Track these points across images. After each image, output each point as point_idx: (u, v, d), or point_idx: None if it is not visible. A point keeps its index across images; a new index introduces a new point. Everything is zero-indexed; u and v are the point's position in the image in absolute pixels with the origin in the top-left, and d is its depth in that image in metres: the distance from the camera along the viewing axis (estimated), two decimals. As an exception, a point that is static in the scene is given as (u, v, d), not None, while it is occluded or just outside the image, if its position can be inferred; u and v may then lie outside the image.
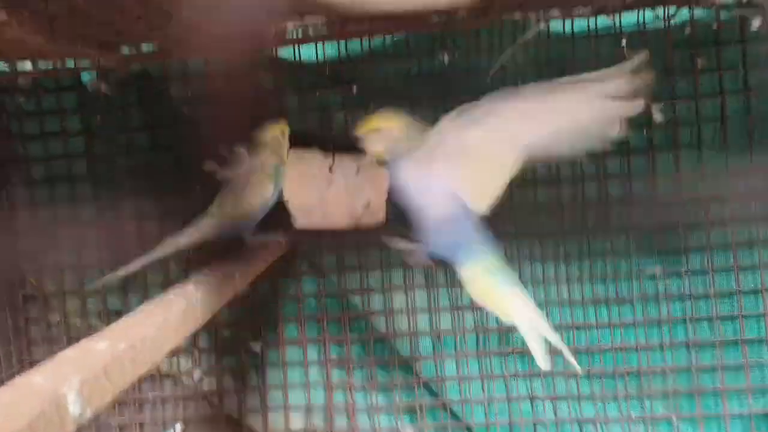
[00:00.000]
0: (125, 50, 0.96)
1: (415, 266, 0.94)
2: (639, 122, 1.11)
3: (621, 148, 1.11)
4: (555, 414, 1.14)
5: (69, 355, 0.48)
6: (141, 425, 1.20)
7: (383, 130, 0.96)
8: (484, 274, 0.85)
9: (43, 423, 0.39)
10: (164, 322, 0.57)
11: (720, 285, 1.11)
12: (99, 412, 0.46)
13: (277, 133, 1.05)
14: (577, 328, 1.14)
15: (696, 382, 1.11)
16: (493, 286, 0.85)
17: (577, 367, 0.86)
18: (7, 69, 1.01)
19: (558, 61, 1.11)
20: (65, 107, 1.18)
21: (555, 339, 0.83)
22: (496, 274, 0.85)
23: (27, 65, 1.02)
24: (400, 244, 0.97)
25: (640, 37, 1.09)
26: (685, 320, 1.11)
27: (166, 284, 1.13)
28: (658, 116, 1.11)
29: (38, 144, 1.19)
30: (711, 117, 1.10)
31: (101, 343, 0.51)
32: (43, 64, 1.04)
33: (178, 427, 1.19)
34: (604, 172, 1.12)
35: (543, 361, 0.83)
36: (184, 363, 1.20)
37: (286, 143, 1.06)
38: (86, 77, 1.15)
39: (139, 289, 1.16)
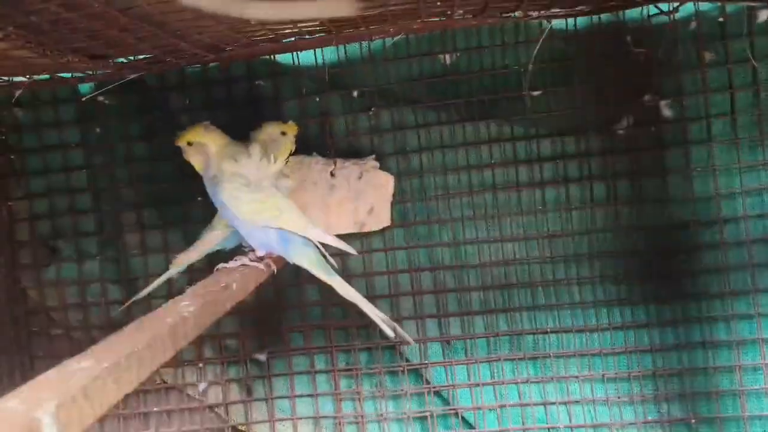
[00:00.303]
0: (120, 60, 0.94)
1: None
2: (647, 119, 1.08)
3: (630, 145, 1.09)
4: (570, 419, 1.12)
5: (48, 376, 0.47)
6: (147, 439, 1.19)
7: (197, 144, 0.98)
8: (312, 264, 0.97)
9: (13, 450, 0.37)
10: (152, 339, 0.55)
11: (735, 283, 1.07)
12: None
13: (272, 131, 1.03)
14: (590, 330, 1.11)
15: (714, 383, 1.08)
16: (321, 275, 0.98)
17: (409, 339, 1.02)
18: (3, 81, 1.01)
19: (562, 59, 1.09)
20: (63, 119, 1.17)
21: (374, 312, 0.99)
22: (320, 265, 0.97)
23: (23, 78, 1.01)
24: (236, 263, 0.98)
25: (644, 32, 1.06)
26: (700, 320, 1.08)
27: (170, 295, 1.12)
28: (666, 112, 1.08)
29: (37, 157, 1.18)
30: (721, 112, 1.07)
31: (84, 362, 0.49)
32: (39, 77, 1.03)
33: (185, 440, 1.18)
34: (612, 171, 1.09)
35: (387, 330, 0.98)
36: (189, 375, 1.19)
37: (286, 144, 1.03)
38: (84, 89, 1.14)
39: (142, 301, 1.14)
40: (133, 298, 1.09)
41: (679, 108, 1.07)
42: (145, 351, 0.53)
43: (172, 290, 1.13)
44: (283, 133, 1.02)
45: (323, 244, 0.96)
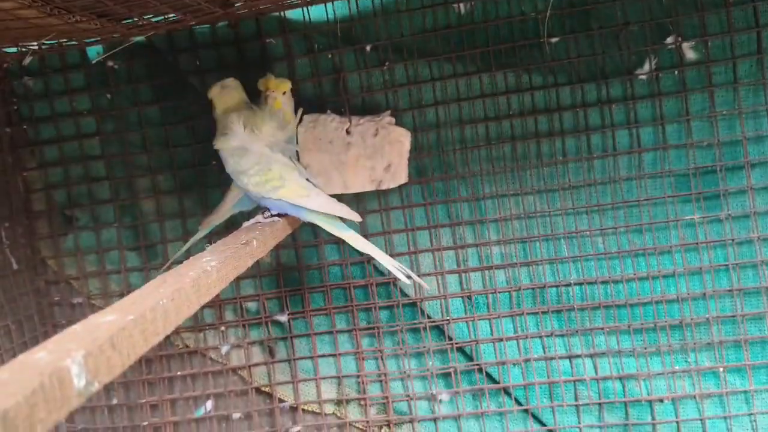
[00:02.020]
0: (127, 21, 0.92)
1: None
2: (669, 62, 1.05)
3: (651, 90, 1.06)
4: (596, 372, 1.11)
5: (75, 329, 0.46)
6: (172, 402, 1.19)
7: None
8: (323, 222, 0.99)
9: (43, 396, 0.37)
10: (176, 292, 0.54)
11: (764, 228, 1.05)
12: (107, 383, 0.44)
13: (259, 86, 1.02)
14: (615, 281, 1.09)
15: (743, 330, 1.06)
16: (333, 230, 1.00)
17: (425, 285, 1.08)
18: (11, 47, 0.99)
19: (580, 3, 1.05)
20: (74, 86, 1.16)
21: (390, 262, 1.00)
22: (332, 221, 1.00)
23: (32, 43, 0.99)
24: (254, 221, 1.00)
25: (665, -29, 1.03)
26: (728, 267, 1.06)
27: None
28: (689, 54, 1.05)
29: (49, 126, 1.17)
30: (746, 52, 1.04)
31: (109, 316, 0.48)
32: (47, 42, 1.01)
33: (209, 404, 1.18)
34: (635, 118, 1.07)
35: (403, 278, 0.99)
36: (212, 338, 1.19)
37: (268, 101, 1.01)
38: (92, 52, 1.13)
39: (160, 266, 1.14)
40: (171, 261, 1.11)
41: (703, 50, 1.04)
42: (169, 303, 0.52)
43: (190, 249, 1.12)
44: (267, 89, 1.01)
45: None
